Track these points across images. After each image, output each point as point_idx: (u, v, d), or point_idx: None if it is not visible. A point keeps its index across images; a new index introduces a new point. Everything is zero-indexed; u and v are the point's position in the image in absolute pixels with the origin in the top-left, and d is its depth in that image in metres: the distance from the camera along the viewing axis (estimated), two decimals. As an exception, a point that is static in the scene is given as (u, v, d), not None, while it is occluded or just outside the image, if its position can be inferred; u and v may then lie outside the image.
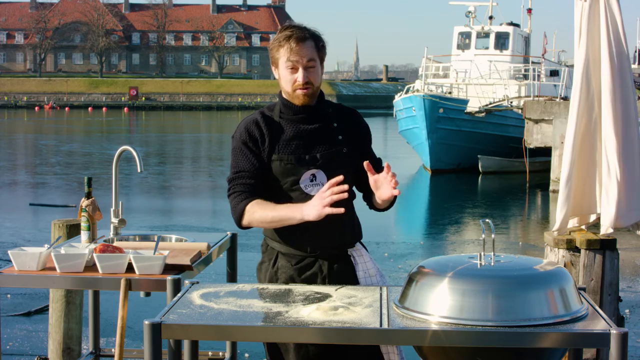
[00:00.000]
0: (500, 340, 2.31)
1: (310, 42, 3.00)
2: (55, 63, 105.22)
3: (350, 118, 3.16)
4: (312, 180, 3.01)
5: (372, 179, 2.91)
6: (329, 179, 2.99)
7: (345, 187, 2.80)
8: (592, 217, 5.02)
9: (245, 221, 2.99)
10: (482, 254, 2.55)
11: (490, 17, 30.39)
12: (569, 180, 4.83)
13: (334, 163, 3.02)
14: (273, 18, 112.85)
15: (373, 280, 3.08)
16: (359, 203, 3.18)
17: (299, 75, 2.99)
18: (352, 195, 3.14)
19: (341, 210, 2.79)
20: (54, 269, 3.32)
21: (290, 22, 3.08)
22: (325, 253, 3.04)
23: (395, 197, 3.05)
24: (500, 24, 30.14)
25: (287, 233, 3.02)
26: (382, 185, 2.91)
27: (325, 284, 2.99)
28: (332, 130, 3.07)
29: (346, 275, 3.04)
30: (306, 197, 2.98)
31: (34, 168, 24.16)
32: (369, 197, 3.14)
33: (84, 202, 3.78)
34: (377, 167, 3.07)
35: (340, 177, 2.81)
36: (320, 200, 2.82)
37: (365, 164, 2.88)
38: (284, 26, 3.04)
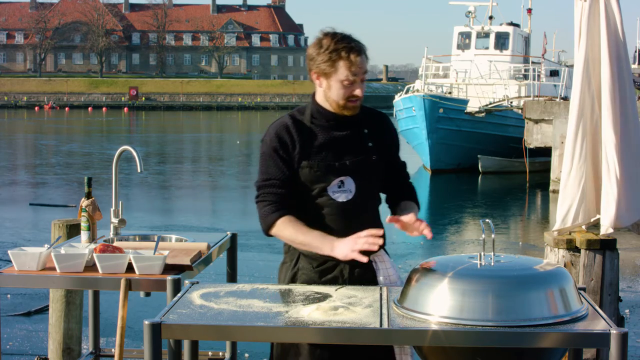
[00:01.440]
0: (500, 340, 2.31)
1: (364, 54, 2.96)
2: (55, 63, 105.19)
3: (380, 124, 3.12)
4: (339, 187, 2.98)
5: (399, 224, 2.91)
6: (357, 185, 2.98)
7: (380, 240, 2.84)
8: (592, 217, 5.02)
9: (273, 232, 2.99)
10: (482, 254, 2.55)
11: (490, 17, 30.39)
12: (569, 180, 4.83)
13: (363, 170, 3.00)
14: (273, 18, 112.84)
15: None
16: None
17: (358, 90, 2.95)
18: (378, 202, 3.12)
19: (365, 259, 2.82)
20: (54, 269, 3.32)
21: (329, 29, 2.98)
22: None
23: (418, 207, 3.14)
24: (500, 24, 30.14)
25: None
26: (409, 229, 2.93)
27: None
28: (362, 136, 3.04)
29: (367, 280, 3.02)
30: (333, 203, 2.97)
31: (34, 168, 24.16)
32: (392, 203, 3.15)
33: (84, 202, 3.78)
34: (402, 171, 3.13)
35: (381, 232, 2.84)
36: (353, 243, 2.83)
37: (388, 219, 2.88)
38: (336, 37, 2.93)
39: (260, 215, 2.99)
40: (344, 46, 2.91)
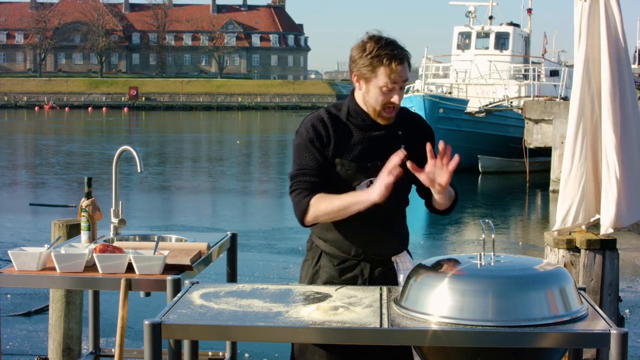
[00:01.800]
0: (500, 340, 2.31)
1: (406, 62, 2.93)
2: (55, 63, 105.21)
3: (414, 126, 3.10)
4: (368, 186, 2.96)
5: (424, 175, 2.80)
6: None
7: (400, 157, 2.73)
8: (592, 217, 5.02)
9: (309, 217, 2.92)
10: (482, 254, 2.55)
11: (490, 17, 30.40)
12: (569, 180, 4.83)
13: None
14: (273, 18, 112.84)
15: None
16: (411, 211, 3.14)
17: (396, 97, 2.92)
18: (405, 203, 3.09)
19: (391, 179, 2.73)
20: (54, 269, 3.32)
21: (375, 32, 2.96)
22: (368, 258, 3.02)
23: (457, 196, 3.02)
24: (500, 24, 30.16)
25: (335, 234, 3.01)
26: (436, 174, 2.81)
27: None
28: (396, 138, 3.02)
29: (387, 281, 3.01)
30: None
31: (34, 168, 24.16)
32: (430, 201, 3.07)
33: (84, 202, 3.78)
34: None
35: (402, 153, 2.74)
36: (379, 180, 2.77)
37: (409, 164, 2.76)
38: (381, 42, 2.91)
39: (294, 204, 2.95)
40: (386, 53, 2.88)
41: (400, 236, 3.10)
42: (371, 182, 2.96)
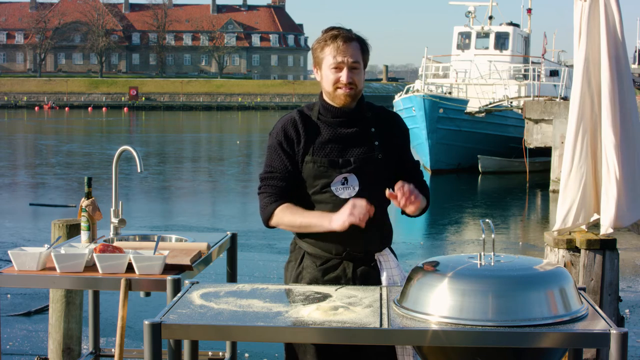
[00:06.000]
0: (500, 340, 2.31)
1: (356, 44, 3.01)
2: (55, 63, 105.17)
3: (389, 123, 3.14)
4: (343, 184, 3.00)
5: (396, 202, 2.92)
6: (360, 183, 2.99)
7: (372, 211, 2.85)
8: (592, 217, 5.02)
9: (272, 222, 3.03)
10: (482, 254, 2.55)
11: (490, 17, 30.42)
12: (569, 180, 4.83)
13: (368, 168, 3.02)
14: (273, 18, 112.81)
15: None
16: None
17: (343, 75, 2.98)
18: (385, 201, 3.09)
19: (361, 224, 2.82)
20: (54, 269, 3.32)
21: (335, 25, 3.08)
22: (350, 256, 3.03)
23: (427, 205, 3.11)
24: (500, 24, 30.17)
25: (316, 234, 3.01)
26: (403, 205, 2.93)
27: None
28: (369, 135, 3.06)
29: (370, 279, 3.02)
30: (336, 200, 2.98)
31: (34, 168, 24.16)
32: None
33: (84, 202, 3.79)
34: (414, 171, 3.13)
35: (372, 209, 2.84)
36: (349, 210, 2.83)
37: (388, 193, 2.89)
38: (329, 27, 3.06)
39: (260, 206, 3.05)
40: (332, 34, 3.01)
41: (381, 232, 3.10)
42: (345, 179, 3.00)
